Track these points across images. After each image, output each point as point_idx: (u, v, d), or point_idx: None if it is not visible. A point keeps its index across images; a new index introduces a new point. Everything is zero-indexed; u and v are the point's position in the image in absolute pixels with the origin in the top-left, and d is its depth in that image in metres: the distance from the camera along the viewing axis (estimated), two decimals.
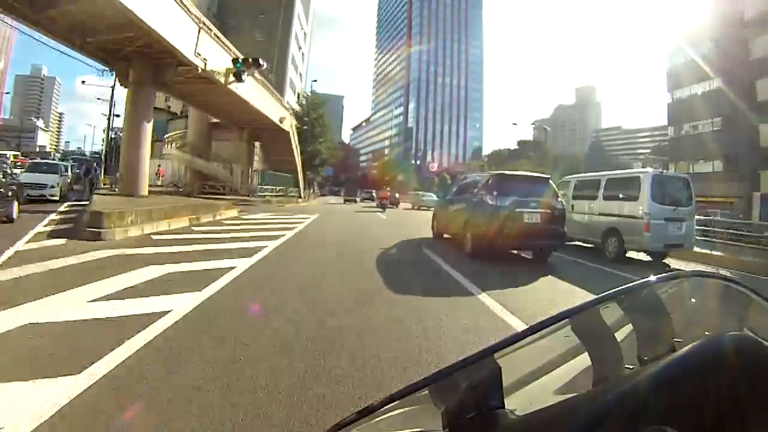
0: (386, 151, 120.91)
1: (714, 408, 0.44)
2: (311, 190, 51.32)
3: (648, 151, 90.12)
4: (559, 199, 8.42)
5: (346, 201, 41.52)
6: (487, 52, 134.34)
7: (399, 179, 79.63)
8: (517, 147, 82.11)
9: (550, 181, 8.66)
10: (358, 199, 43.94)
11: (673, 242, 9.22)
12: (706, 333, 0.49)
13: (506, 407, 0.50)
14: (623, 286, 0.57)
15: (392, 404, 0.52)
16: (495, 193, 8.09)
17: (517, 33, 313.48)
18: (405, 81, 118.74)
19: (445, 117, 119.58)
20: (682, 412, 0.44)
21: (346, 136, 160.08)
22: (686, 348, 0.48)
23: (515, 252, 8.92)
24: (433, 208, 37.45)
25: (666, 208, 9.01)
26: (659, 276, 0.59)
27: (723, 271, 7.01)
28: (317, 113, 44.65)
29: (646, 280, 0.58)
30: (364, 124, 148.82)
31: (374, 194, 43.14)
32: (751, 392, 0.44)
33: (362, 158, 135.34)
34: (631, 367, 0.55)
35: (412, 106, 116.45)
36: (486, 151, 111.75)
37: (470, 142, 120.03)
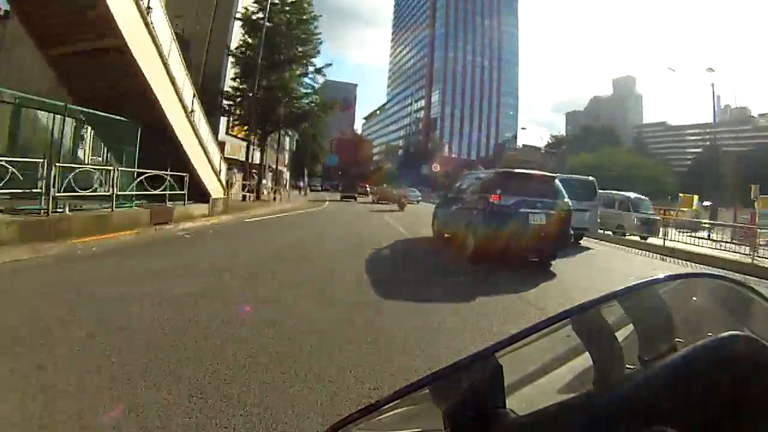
0: (401, 143, 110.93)
1: (715, 408, 0.44)
2: (303, 185, 43.41)
3: (699, 150, 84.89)
4: (566, 200, 8.06)
5: (343, 198, 36.22)
6: (522, 32, 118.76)
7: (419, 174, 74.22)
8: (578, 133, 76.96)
9: (556, 180, 8.37)
10: (357, 196, 38.22)
11: (578, 227, 11.08)
12: (708, 333, 0.49)
13: (507, 407, 0.51)
14: (625, 286, 0.57)
15: (393, 403, 0.53)
16: (499, 191, 7.72)
17: (547, 16, 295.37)
18: (428, 60, 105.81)
19: (475, 103, 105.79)
20: (683, 412, 0.44)
21: (358, 127, 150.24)
22: (687, 348, 0.49)
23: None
24: (414, 202, 36.10)
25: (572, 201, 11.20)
26: (661, 276, 0.59)
27: (609, 245, 9.87)
28: (289, 15, 22.97)
29: (647, 280, 0.58)
30: (378, 112, 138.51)
31: (368, 189, 43.16)
32: (752, 393, 0.44)
33: (375, 150, 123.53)
34: (632, 367, 0.55)
35: (435, 94, 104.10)
36: (521, 141, 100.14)
37: (502, 132, 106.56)
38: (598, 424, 0.45)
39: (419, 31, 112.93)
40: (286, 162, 46.98)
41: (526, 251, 8.12)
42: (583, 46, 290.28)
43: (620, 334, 0.59)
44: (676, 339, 0.54)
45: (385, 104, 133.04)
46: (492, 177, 8.31)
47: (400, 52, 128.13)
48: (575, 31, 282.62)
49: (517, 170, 9.50)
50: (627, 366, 0.55)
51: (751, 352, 0.47)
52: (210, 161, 14.47)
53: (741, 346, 0.47)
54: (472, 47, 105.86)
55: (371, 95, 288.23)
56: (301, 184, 44.37)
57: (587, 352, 0.57)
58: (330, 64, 26.25)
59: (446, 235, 10.36)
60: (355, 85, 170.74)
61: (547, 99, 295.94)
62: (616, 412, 0.46)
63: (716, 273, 0.62)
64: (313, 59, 24.92)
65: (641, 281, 0.57)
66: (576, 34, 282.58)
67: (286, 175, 49.24)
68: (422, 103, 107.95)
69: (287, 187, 43.38)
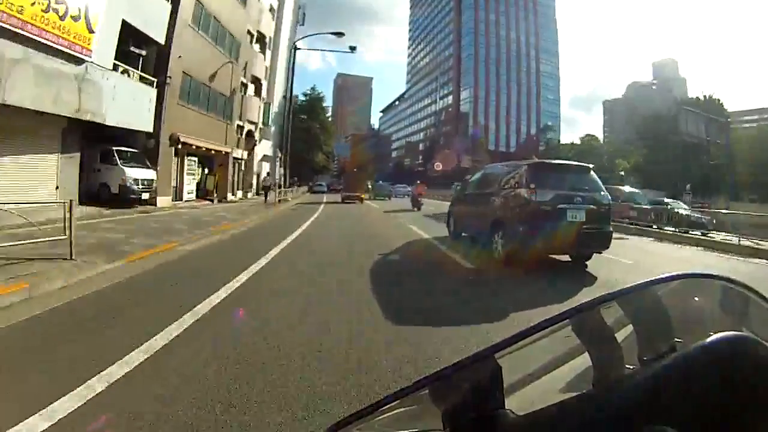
0: (422, 136, 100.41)
1: (714, 408, 0.44)
2: (273, 184, 22.97)
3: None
4: (603, 193, 7.32)
5: (345, 200, 28.75)
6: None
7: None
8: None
9: (592, 172, 7.52)
10: (363, 197, 30.54)
11: None
12: (707, 333, 0.49)
13: (507, 407, 0.52)
14: (624, 287, 0.57)
15: (392, 404, 0.55)
16: (533, 185, 6.92)
17: (558, 8, 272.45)
18: (454, 38, 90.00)
19: (512, 84, 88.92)
20: (682, 412, 0.44)
21: (375, 121, 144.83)
22: (687, 348, 0.49)
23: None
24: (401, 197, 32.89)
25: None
26: (659, 276, 0.59)
27: None
28: None
29: (646, 280, 0.57)
30: (397, 103, 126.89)
31: (370, 187, 38.80)
32: (751, 392, 0.44)
33: (394, 145, 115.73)
34: (632, 367, 0.55)
35: (464, 76, 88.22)
36: (564, 134, 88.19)
37: (543, 120, 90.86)
38: (597, 425, 0.46)
39: (444, 4, 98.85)
40: (248, 145, 29.25)
41: (563, 252, 7.50)
42: (598, 38, 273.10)
43: (620, 335, 0.59)
44: (676, 339, 0.54)
45: (404, 93, 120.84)
46: (524, 169, 7.51)
47: (421, 34, 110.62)
48: (589, 23, 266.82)
49: (551, 161, 8.81)
50: (627, 366, 0.55)
51: (751, 352, 0.47)
52: None
53: (741, 346, 0.47)
54: (506, 19, 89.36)
55: (389, 93, 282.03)
56: (275, 181, 24.69)
57: (587, 353, 0.57)
58: None
59: (464, 235, 9.83)
60: (371, 79, 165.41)
61: (563, 95, 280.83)
62: (615, 412, 0.46)
63: (716, 273, 0.61)
64: None
65: (641, 281, 0.57)
66: (590, 26, 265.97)
67: (261, 168, 32.65)
68: (448, 88, 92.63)
69: (240, 191, 27.14)
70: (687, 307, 0.64)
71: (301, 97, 53.88)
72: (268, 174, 26.66)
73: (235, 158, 25.76)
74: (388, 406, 0.55)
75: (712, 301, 0.64)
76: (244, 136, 28.00)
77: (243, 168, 28.53)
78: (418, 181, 29.77)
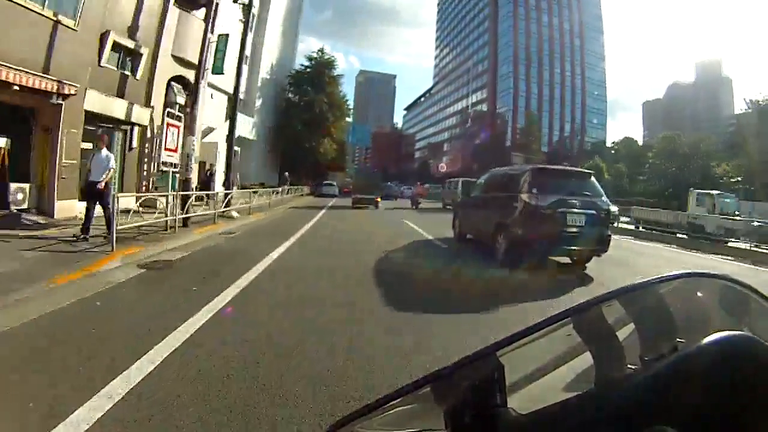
0: (446, 135, 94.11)
1: (715, 408, 0.44)
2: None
3: None
4: (604, 199, 7.54)
5: (356, 204, 23.15)
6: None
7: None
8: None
9: (593, 177, 7.80)
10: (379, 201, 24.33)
11: None
12: (708, 333, 0.49)
13: (509, 406, 0.52)
14: (625, 286, 0.57)
15: (393, 402, 0.56)
16: (535, 190, 7.19)
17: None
18: (490, 26, 79.94)
19: (555, 78, 78.53)
20: (683, 411, 0.45)
21: (398, 119, 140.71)
22: (688, 348, 0.49)
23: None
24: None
25: None
26: (661, 275, 0.58)
27: None
28: None
29: (648, 279, 0.57)
30: (422, 100, 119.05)
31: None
32: (752, 392, 0.44)
33: (418, 146, 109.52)
34: (633, 366, 0.54)
35: (501, 67, 78.22)
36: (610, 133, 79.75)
37: (589, 117, 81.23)
38: (599, 424, 0.46)
39: None
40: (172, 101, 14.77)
41: (563, 255, 7.67)
42: (613, 47, 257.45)
43: (621, 334, 0.58)
44: (677, 338, 0.54)
45: (431, 89, 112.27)
46: (526, 174, 7.73)
47: (452, 23, 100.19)
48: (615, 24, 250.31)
49: (554, 166, 9.26)
50: (628, 365, 0.55)
51: (751, 352, 0.46)
52: None
53: (741, 346, 0.47)
54: (548, 4, 79.29)
55: (412, 97, 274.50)
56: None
57: (588, 352, 0.57)
58: None
59: (468, 236, 10.16)
60: (394, 76, 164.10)
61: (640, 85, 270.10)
62: (616, 411, 0.47)
63: (717, 272, 0.60)
64: None
65: (642, 280, 0.57)
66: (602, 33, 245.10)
67: (238, 157, 19.98)
68: (482, 81, 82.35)
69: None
70: (688, 306, 0.63)
71: (305, 62, 38.03)
72: (93, 156, 8.08)
73: (104, 117, 11.87)
74: (389, 404, 0.56)
75: (714, 301, 0.63)
76: (148, 74, 13.84)
77: (149, 144, 14.48)
78: (418, 183, 33.87)
